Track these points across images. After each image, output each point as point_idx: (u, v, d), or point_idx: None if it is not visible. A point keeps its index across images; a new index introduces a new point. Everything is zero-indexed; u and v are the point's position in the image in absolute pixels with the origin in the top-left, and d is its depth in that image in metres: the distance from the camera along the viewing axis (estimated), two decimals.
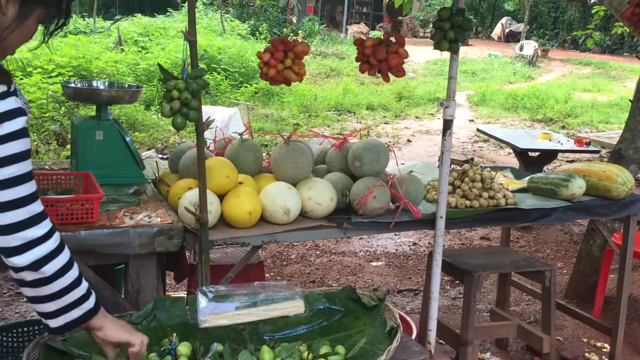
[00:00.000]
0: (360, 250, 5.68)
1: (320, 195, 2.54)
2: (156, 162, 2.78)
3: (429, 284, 2.79)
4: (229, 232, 2.40)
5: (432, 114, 13.50)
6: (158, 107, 10.21)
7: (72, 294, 1.61)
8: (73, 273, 1.60)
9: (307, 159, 2.64)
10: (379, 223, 2.61)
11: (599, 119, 13.11)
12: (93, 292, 1.67)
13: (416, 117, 13.16)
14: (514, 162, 7.04)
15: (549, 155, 6.53)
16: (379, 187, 2.60)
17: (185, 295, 2.43)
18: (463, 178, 2.96)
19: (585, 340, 3.74)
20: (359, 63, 2.54)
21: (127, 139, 2.79)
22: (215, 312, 2.24)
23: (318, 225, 2.52)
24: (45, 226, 1.50)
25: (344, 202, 2.67)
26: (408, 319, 3.39)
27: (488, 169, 3.14)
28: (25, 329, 3.08)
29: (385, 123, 12.34)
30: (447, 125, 2.57)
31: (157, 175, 2.74)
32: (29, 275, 1.50)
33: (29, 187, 1.46)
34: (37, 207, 1.49)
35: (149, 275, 2.35)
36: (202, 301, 2.23)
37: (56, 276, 1.54)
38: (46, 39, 1.59)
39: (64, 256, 1.56)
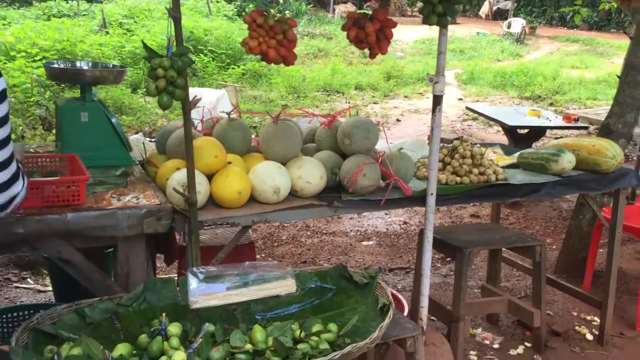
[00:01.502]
0: (351, 230, 5.68)
1: (310, 173, 2.52)
2: (143, 143, 2.75)
3: (420, 261, 2.78)
4: (218, 213, 2.38)
5: (421, 93, 13.46)
6: (145, 90, 10.10)
7: None
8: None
9: (296, 138, 2.61)
10: (369, 201, 2.59)
11: (587, 96, 13.14)
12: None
13: (405, 97, 13.11)
14: (503, 140, 7.04)
15: (537, 132, 6.54)
16: (369, 165, 2.58)
17: (176, 277, 2.41)
18: (453, 155, 2.94)
19: (575, 314, 3.77)
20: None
21: (113, 120, 2.75)
22: (206, 292, 2.22)
23: (308, 204, 2.51)
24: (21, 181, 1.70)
25: (334, 180, 2.65)
26: (400, 296, 3.38)
27: (478, 145, 3.13)
28: (14, 314, 3.05)
29: (374, 103, 12.30)
30: (437, 101, 2.55)
31: (144, 156, 2.71)
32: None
33: (10, 149, 1.63)
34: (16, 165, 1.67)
35: (139, 257, 2.33)
36: (193, 282, 2.21)
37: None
38: None
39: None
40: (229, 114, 2.67)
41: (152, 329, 1.86)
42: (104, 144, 2.73)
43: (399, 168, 2.67)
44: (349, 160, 2.62)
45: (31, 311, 3.10)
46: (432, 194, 2.64)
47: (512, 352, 3.23)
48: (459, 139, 2.97)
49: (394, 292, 3.46)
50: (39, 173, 2.39)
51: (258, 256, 4.97)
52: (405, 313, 3.18)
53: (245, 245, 2.93)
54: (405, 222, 5.93)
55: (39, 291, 4.00)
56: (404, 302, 3.33)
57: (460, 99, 12.87)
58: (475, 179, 2.84)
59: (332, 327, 2.11)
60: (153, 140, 8.63)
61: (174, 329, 1.86)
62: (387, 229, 5.79)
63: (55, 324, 1.99)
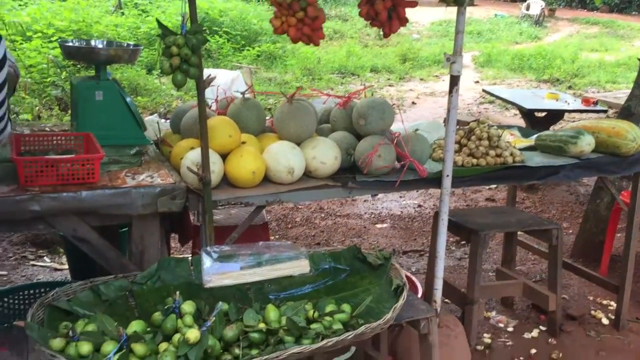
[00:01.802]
0: (365, 213, 5.67)
1: (325, 154, 2.50)
2: (157, 122, 2.74)
3: (435, 244, 2.77)
4: (232, 192, 2.37)
5: (437, 75, 13.34)
6: (160, 71, 10.08)
7: None
8: None
9: (311, 118, 2.59)
10: (384, 182, 2.57)
11: (606, 79, 12.94)
12: None
13: (421, 79, 13.00)
14: (520, 123, 6.96)
15: (555, 116, 6.45)
16: (384, 146, 2.55)
17: (190, 256, 2.41)
18: (470, 136, 2.91)
19: (591, 298, 3.74)
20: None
21: (127, 99, 2.74)
22: (219, 272, 2.22)
23: (323, 184, 2.49)
24: None
25: (349, 161, 2.63)
26: (414, 278, 3.37)
27: (495, 127, 3.09)
28: (31, 291, 3.09)
29: (390, 85, 12.21)
30: (454, 81, 2.51)
31: (158, 136, 2.70)
32: None
33: None
34: None
35: (153, 236, 2.33)
36: (207, 261, 2.22)
37: None
38: None
39: None
40: (243, 93, 2.65)
41: (166, 307, 1.87)
42: (119, 123, 2.73)
43: (414, 149, 2.64)
44: (364, 141, 2.60)
45: (47, 288, 3.13)
46: (447, 175, 2.61)
47: (527, 335, 3.21)
48: (476, 121, 2.93)
49: (408, 274, 3.45)
50: (54, 151, 2.39)
51: (272, 237, 4.98)
52: (419, 295, 3.17)
53: (259, 226, 2.93)
54: (419, 205, 5.90)
55: (55, 269, 4.04)
56: (418, 284, 3.32)
57: (477, 82, 12.74)
58: (492, 161, 2.80)
59: (346, 307, 2.10)
60: (167, 121, 8.65)
61: (188, 307, 1.87)
62: (401, 211, 5.77)
63: (70, 301, 2.01)
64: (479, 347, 3.07)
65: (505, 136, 3.05)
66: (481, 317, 3.04)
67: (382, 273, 2.32)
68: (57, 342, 1.69)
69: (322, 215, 5.60)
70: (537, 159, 2.91)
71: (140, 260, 2.33)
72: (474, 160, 2.80)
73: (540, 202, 5.99)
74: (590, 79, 13.01)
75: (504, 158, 2.82)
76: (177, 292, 1.89)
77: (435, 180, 2.66)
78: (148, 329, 1.90)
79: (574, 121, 9.15)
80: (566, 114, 7.34)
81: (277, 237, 5.05)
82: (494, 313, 3.41)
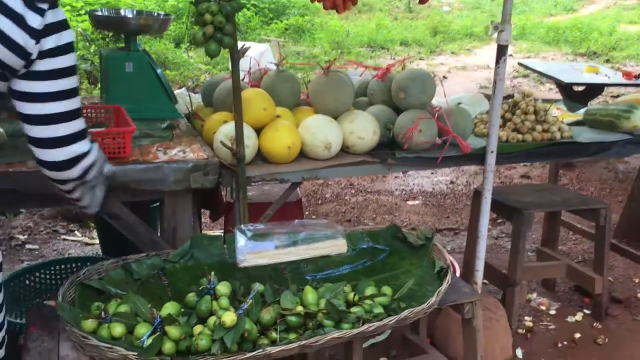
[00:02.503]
0: (396, 189, 5.54)
1: (363, 128, 2.38)
2: (189, 95, 2.64)
3: (477, 223, 2.64)
4: (267, 168, 2.27)
5: (468, 49, 13.03)
6: (188, 44, 10.00)
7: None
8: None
9: (348, 91, 2.47)
10: (425, 158, 2.45)
11: None
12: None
13: (452, 53, 12.71)
14: (557, 98, 6.73)
15: (594, 90, 6.19)
16: (425, 120, 2.43)
17: (222, 234, 2.33)
18: (514, 110, 2.76)
19: (637, 280, 3.58)
20: None
21: (158, 70, 2.65)
22: (254, 251, 2.14)
23: (361, 160, 2.38)
24: (88, 142, 1.57)
25: (387, 136, 2.51)
26: (451, 258, 3.24)
27: (540, 101, 2.93)
28: (62, 266, 3.06)
29: (420, 59, 11.96)
30: (502, 51, 2.37)
31: (190, 109, 2.61)
32: (72, 184, 1.60)
33: (78, 102, 1.52)
34: (83, 123, 1.55)
35: (185, 212, 2.25)
36: (241, 240, 2.13)
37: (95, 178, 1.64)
38: None
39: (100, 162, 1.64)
40: (277, 65, 2.54)
41: (200, 288, 1.79)
42: (149, 95, 2.64)
43: (456, 124, 2.51)
44: (404, 115, 2.47)
45: (78, 263, 3.10)
46: (492, 151, 2.48)
47: (570, 319, 3.08)
48: (522, 94, 2.78)
49: (446, 254, 3.33)
50: None
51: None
52: (457, 276, 3.06)
53: (293, 203, 2.83)
54: (452, 182, 5.76)
55: (86, 244, 4.02)
56: (455, 264, 3.21)
57: (510, 55, 12.38)
58: (539, 137, 2.66)
59: (387, 290, 2.01)
60: (196, 95, 8.58)
61: (223, 288, 1.78)
62: (433, 188, 5.63)
63: (102, 279, 1.94)
64: (520, 331, 2.95)
65: (552, 110, 2.89)
66: (523, 300, 2.92)
67: (424, 254, 2.21)
68: (89, 324, 1.63)
69: (353, 191, 5.49)
70: (586, 135, 2.75)
71: (173, 237, 2.25)
72: (519, 136, 2.66)
73: (577, 180, 5.80)
74: (628, 52, 12.57)
75: (552, 133, 2.67)
76: (212, 273, 1.80)
77: (478, 157, 2.53)
78: (182, 310, 1.83)
79: (612, 96, 8.86)
80: (605, 89, 7.06)
81: (307, 213, 4.96)
82: (535, 295, 3.28)
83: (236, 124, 2.11)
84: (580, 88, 6.12)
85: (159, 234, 2.38)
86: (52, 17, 1.41)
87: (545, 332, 2.98)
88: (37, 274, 3.05)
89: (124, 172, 2.07)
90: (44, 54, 1.41)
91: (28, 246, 3.86)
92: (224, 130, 2.21)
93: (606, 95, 8.78)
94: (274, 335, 1.74)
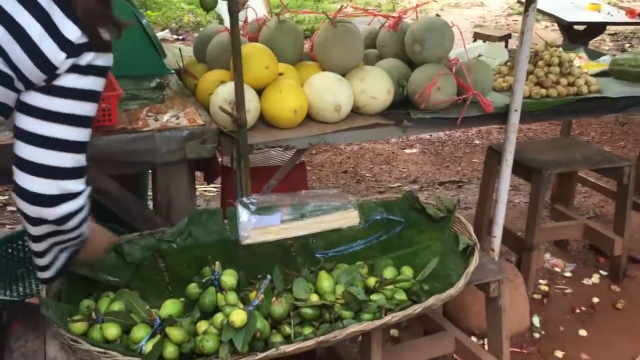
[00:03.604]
0: (393, 137, 5.31)
1: (376, 87, 2.14)
2: (179, 49, 2.37)
3: (489, 181, 2.45)
4: (270, 134, 2.04)
5: None
6: None
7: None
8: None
9: (358, 44, 2.21)
10: (443, 119, 2.23)
11: None
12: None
13: None
14: (553, 37, 6.42)
15: (595, 29, 5.89)
16: (443, 77, 2.19)
17: (221, 207, 2.12)
18: (536, 62, 2.52)
19: None
20: None
21: (144, 21, 2.37)
22: (258, 226, 1.93)
23: (374, 123, 2.15)
24: (83, 183, 1.32)
25: (401, 94, 2.27)
26: (461, 218, 3.08)
27: (561, 49, 2.68)
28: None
29: None
30: None
31: (180, 65, 2.34)
32: (47, 228, 1.31)
33: (89, 134, 1.29)
34: (85, 159, 1.32)
35: (180, 184, 2.03)
36: (243, 214, 1.92)
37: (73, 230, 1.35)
38: None
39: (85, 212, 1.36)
40: (278, 14, 2.26)
41: (204, 280, 1.58)
42: (135, 49, 2.37)
43: (476, 79, 2.28)
44: (420, 71, 2.23)
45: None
46: (516, 110, 2.25)
47: (586, 281, 2.94)
48: (545, 44, 2.54)
49: (458, 216, 3.15)
50: None
51: None
52: None
53: (296, 167, 2.60)
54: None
55: None
56: (465, 220, 3.03)
57: None
58: (564, 91, 2.43)
59: (407, 271, 1.82)
60: (182, 38, 8.14)
61: (229, 278, 1.58)
62: (430, 135, 5.41)
63: (91, 265, 1.73)
64: (536, 296, 2.81)
65: (575, 60, 2.66)
66: (540, 265, 2.76)
67: (444, 227, 2.02)
68: (79, 327, 1.43)
69: None
70: (615, 88, 2.53)
71: (167, 213, 2.04)
72: (543, 91, 2.43)
73: (577, 124, 5.58)
74: None
75: (578, 87, 2.45)
76: (217, 263, 1.60)
77: (500, 116, 2.31)
78: (183, 301, 1.64)
79: (611, 34, 8.56)
80: (607, 28, 6.77)
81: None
82: (548, 255, 3.12)
83: (236, 87, 1.86)
84: (581, 27, 5.84)
85: (151, 207, 2.17)
86: None
87: (562, 297, 2.84)
88: (21, 242, 2.84)
89: (110, 143, 1.84)
90: (73, 70, 1.17)
91: (9, 208, 3.63)
92: (222, 94, 1.96)
93: (606, 35, 8.49)
94: (287, 330, 1.56)
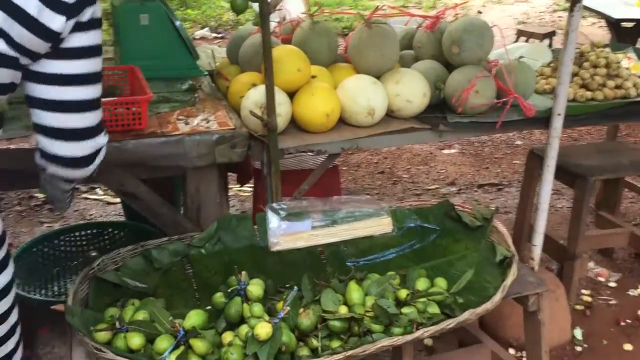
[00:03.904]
0: (428, 142, 5.21)
1: (411, 90, 2.07)
2: (212, 50, 2.34)
3: (530, 186, 2.35)
4: (301, 138, 1.99)
5: None
6: None
7: None
8: None
9: (394, 45, 2.14)
10: (481, 123, 2.14)
11: None
12: None
13: None
14: (599, 35, 6.20)
15: None
16: (482, 79, 2.10)
17: (252, 209, 2.08)
18: (581, 63, 2.41)
19: None
20: None
21: (177, 23, 2.35)
22: (288, 232, 1.89)
23: (408, 127, 2.08)
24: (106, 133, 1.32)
25: (437, 97, 2.20)
26: (499, 225, 2.98)
27: (608, 49, 2.56)
28: (83, 232, 2.87)
29: None
30: None
31: (213, 66, 2.31)
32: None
33: (101, 88, 1.26)
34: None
35: (211, 188, 2.00)
36: (273, 220, 1.88)
37: None
38: None
39: None
40: (312, 15, 2.21)
41: (229, 289, 1.55)
42: (168, 51, 2.36)
43: (518, 82, 2.18)
44: (457, 73, 2.15)
45: (100, 229, 2.91)
46: (559, 114, 2.15)
47: (632, 292, 2.81)
48: (590, 44, 2.42)
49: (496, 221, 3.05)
50: None
51: None
52: None
53: (330, 170, 2.55)
54: None
55: (108, 203, 3.82)
56: (504, 231, 2.93)
57: None
58: (611, 94, 2.32)
59: (441, 282, 1.76)
60: (220, 36, 8.16)
61: (256, 289, 1.54)
62: None
63: (118, 271, 1.72)
64: (578, 307, 2.70)
65: (623, 61, 2.53)
66: (584, 274, 2.65)
67: (481, 236, 1.94)
68: (103, 335, 1.41)
69: None
70: None
71: (197, 217, 2.01)
72: (589, 94, 2.32)
73: (624, 125, 5.37)
74: None
75: (626, 90, 2.33)
76: (243, 273, 1.56)
77: (542, 120, 2.21)
78: (208, 307, 1.61)
79: None
80: None
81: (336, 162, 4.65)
82: (591, 264, 3.00)
83: (267, 90, 1.82)
84: (630, 25, 5.62)
85: (182, 208, 2.15)
86: None
87: (606, 308, 2.72)
88: (57, 242, 2.87)
89: (139, 147, 1.82)
90: (76, 29, 1.14)
91: (48, 206, 3.68)
92: (253, 97, 1.92)
93: None
94: (314, 343, 1.51)
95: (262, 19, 1.73)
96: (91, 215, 3.62)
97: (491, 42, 2.18)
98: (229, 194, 3.43)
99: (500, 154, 5.05)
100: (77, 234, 2.90)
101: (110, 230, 2.96)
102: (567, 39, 2.07)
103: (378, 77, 2.12)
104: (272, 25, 2.31)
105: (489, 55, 2.28)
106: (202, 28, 8.38)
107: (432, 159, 4.94)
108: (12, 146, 1.74)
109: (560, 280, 2.56)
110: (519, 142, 5.20)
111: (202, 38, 7.91)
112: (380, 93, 2.03)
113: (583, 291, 2.80)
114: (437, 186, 4.36)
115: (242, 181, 2.91)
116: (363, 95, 1.99)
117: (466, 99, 2.08)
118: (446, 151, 5.07)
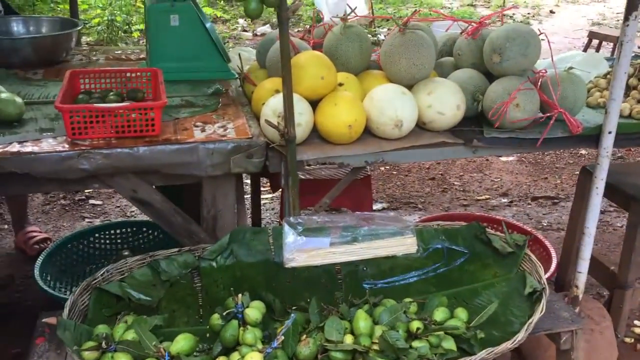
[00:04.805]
0: (461, 158, 4.98)
1: (444, 102, 1.93)
2: (239, 54, 2.26)
3: (581, 209, 2.15)
4: (323, 150, 1.88)
5: None
6: None
7: None
8: None
9: (429, 53, 1.99)
10: (520, 139, 1.97)
11: None
12: None
13: None
14: None
15: None
16: (524, 92, 1.93)
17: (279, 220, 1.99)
18: None
19: None
20: None
21: (208, 24, 2.29)
22: (304, 249, 1.79)
23: (439, 142, 1.93)
24: None
25: (475, 108, 2.04)
26: (546, 243, 2.78)
27: None
28: (118, 230, 2.89)
29: None
30: (634, 3, 1.80)
31: (241, 69, 2.24)
32: None
33: None
34: None
35: (227, 198, 1.92)
36: (290, 235, 1.79)
37: None
38: None
39: None
40: (344, 18, 2.09)
41: (225, 312, 1.46)
42: (198, 53, 2.31)
43: (565, 95, 2.00)
44: (498, 84, 1.99)
45: (134, 228, 2.91)
46: (610, 132, 1.95)
47: None
48: None
49: (540, 236, 2.86)
50: (116, 93, 2.00)
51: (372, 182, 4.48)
52: (552, 268, 2.60)
53: (361, 180, 2.44)
54: None
55: None
56: (552, 250, 2.73)
57: None
58: None
59: (461, 314, 1.61)
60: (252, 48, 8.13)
61: (254, 312, 1.45)
62: None
63: (123, 282, 1.67)
64: (627, 340, 2.48)
65: None
66: (635, 304, 2.43)
67: (512, 264, 1.78)
68: (89, 356, 1.35)
69: None
70: None
71: (213, 227, 1.94)
72: None
73: None
74: None
75: None
76: (240, 295, 1.47)
77: (591, 138, 2.01)
78: (207, 327, 1.54)
79: None
80: None
81: (376, 172, 4.50)
82: None
83: (285, 98, 1.72)
84: None
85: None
86: None
87: None
88: (92, 239, 2.88)
89: (151, 154, 1.76)
90: None
91: (91, 201, 3.72)
92: (273, 105, 1.83)
93: None
94: None
95: (280, 25, 1.63)
96: (132, 212, 3.63)
97: (537, 51, 2.00)
98: (262, 202, 3.35)
99: (562, 163, 4.78)
100: (112, 231, 2.91)
101: (145, 229, 2.95)
102: (621, 51, 1.87)
103: (410, 87, 1.98)
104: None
105: (538, 64, 2.10)
106: (264, 24, 8.38)
107: (488, 166, 4.72)
108: (22, 149, 1.71)
109: (608, 310, 2.35)
110: (583, 152, 4.90)
111: (263, 35, 7.89)
112: (410, 104, 1.89)
113: (635, 323, 2.57)
114: (488, 196, 4.15)
115: (275, 188, 2.84)
116: (390, 106, 1.87)
117: (505, 113, 1.92)
118: (504, 158, 4.84)
